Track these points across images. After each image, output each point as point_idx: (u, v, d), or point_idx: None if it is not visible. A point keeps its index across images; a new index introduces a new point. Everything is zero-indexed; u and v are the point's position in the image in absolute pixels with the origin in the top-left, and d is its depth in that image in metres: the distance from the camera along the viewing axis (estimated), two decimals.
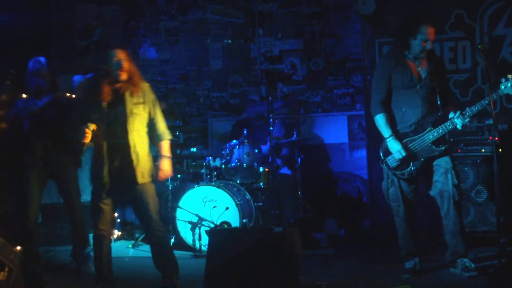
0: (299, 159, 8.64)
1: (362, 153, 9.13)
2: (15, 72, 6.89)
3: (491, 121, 6.41)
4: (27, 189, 6.99)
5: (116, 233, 8.50)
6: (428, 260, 6.72)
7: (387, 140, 6.29)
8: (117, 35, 10.06)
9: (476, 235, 7.18)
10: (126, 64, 5.90)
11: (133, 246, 8.29)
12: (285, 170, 8.83)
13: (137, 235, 8.49)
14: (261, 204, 8.23)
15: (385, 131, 6.31)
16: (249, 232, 6.75)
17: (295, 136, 8.62)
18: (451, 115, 6.14)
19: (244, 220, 7.73)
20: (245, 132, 8.31)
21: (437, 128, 6.15)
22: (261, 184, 8.27)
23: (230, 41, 9.83)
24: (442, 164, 6.22)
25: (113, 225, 6.25)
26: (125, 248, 8.25)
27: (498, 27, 7.84)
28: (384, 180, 6.48)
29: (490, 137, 7.24)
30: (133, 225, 8.80)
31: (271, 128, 8.08)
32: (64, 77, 9.07)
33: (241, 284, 5.69)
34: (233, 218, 7.70)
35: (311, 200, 8.69)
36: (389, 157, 6.32)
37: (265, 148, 8.46)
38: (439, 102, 6.20)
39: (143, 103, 5.99)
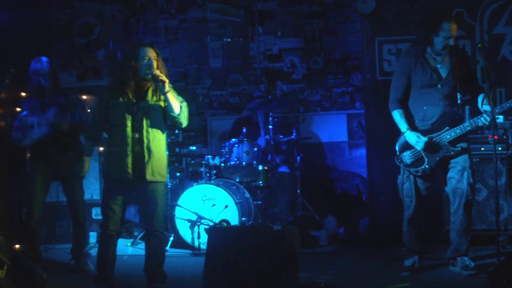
0: (298, 157, 8.64)
1: (361, 152, 9.12)
2: (15, 70, 6.87)
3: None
4: (31, 187, 6.98)
5: None
6: (428, 258, 6.72)
7: (405, 133, 6.25)
8: (117, 33, 10.05)
9: (475, 233, 7.16)
10: (155, 63, 5.92)
11: (132, 244, 8.30)
12: (284, 169, 8.82)
13: (136, 233, 8.49)
14: (260, 202, 8.22)
15: (402, 125, 6.29)
16: (248, 230, 6.76)
17: (294, 134, 8.62)
18: (485, 107, 6.10)
19: (243, 219, 7.73)
20: (244, 130, 8.30)
21: (454, 128, 6.12)
22: (260, 182, 8.26)
23: (229, 39, 9.81)
24: (460, 161, 6.19)
25: (122, 225, 6.22)
26: (124, 246, 8.24)
27: (498, 25, 7.82)
28: (400, 174, 6.44)
29: (490, 136, 7.23)
30: (132, 223, 8.80)
31: (270, 126, 8.08)
32: (66, 76, 9.11)
33: (240, 282, 5.69)
34: (232, 216, 7.70)
35: (310, 199, 8.68)
36: (405, 153, 6.30)
37: (261, 142, 8.42)
38: (459, 101, 6.18)
39: (164, 100, 5.98)
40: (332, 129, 9.51)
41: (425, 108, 6.25)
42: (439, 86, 6.18)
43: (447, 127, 6.16)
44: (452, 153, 6.19)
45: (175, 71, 10.00)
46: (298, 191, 8.55)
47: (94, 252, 6.64)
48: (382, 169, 7.97)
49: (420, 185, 6.36)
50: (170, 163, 8.67)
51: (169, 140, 8.45)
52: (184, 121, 6.00)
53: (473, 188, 6.23)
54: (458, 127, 6.12)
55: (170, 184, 8.33)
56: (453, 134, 6.14)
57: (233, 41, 9.81)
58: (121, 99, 5.90)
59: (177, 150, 9.25)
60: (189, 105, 9.70)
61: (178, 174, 8.66)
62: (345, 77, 9.57)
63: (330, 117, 9.56)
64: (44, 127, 6.85)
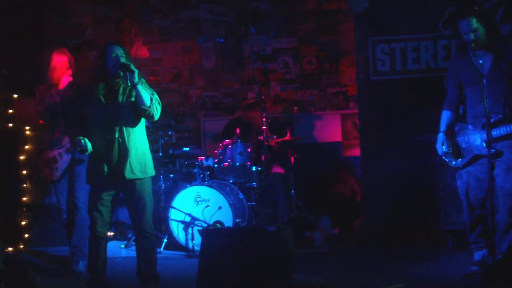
0: (292, 158, 8.62)
1: (355, 152, 9.09)
2: (7, 71, 6.85)
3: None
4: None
5: (109, 233, 8.46)
6: (424, 258, 6.72)
7: (439, 134, 6.34)
8: (109, 34, 10.00)
9: None
10: (123, 60, 5.85)
11: (126, 246, 8.26)
12: (278, 169, 8.80)
13: (129, 235, 8.44)
14: (254, 203, 8.20)
15: (441, 125, 6.36)
16: (242, 231, 6.73)
17: (288, 135, 8.59)
18: None
19: (237, 220, 7.70)
20: (237, 131, 8.28)
21: (492, 129, 5.92)
22: (254, 183, 8.23)
23: (222, 40, 9.79)
24: (505, 161, 6.02)
25: (110, 226, 6.18)
26: (117, 248, 8.22)
27: None
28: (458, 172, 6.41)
29: None
30: (126, 225, 8.76)
31: (264, 127, 8.06)
32: None
33: (234, 284, 5.67)
34: (226, 217, 7.67)
35: (304, 199, 8.66)
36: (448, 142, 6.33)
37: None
38: (503, 96, 6.00)
39: (135, 92, 5.92)
40: (326, 129, 9.50)
41: (474, 106, 6.16)
42: (484, 82, 5.93)
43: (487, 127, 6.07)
44: (484, 152, 6.02)
45: (167, 71, 9.97)
46: (292, 191, 8.52)
47: None
48: (376, 169, 7.96)
49: (472, 183, 6.23)
50: (164, 164, 8.63)
51: (163, 141, 8.43)
52: (155, 113, 5.91)
53: None
54: (496, 128, 5.93)
55: (163, 185, 8.30)
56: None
57: (226, 41, 9.79)
58: (93, 103, 5.90)
59: (171, 151, 9.21)
60: (182, 106, 9.81)
61: (171, 175, 8.63)
62: (338, 77, 9.56)
63: (324, 117, 9.55)
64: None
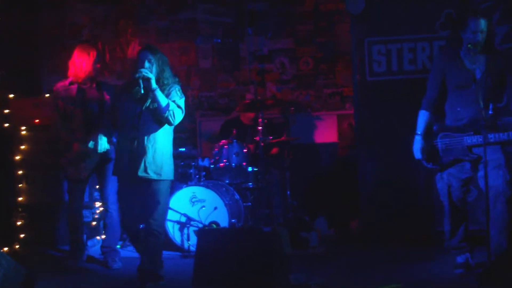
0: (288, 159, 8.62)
1: (351, 153, 9.09)
2: (4, 71, 6.86)
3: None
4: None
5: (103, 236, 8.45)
6: (420, 259, 6.72)
7: (415, 136, 6.28)
8: (107, 34, 10.00)
9: None
10: (146, 65, 6.06)
11: (121, 246, 8.25)
12: (274, 170, 8.80)
13: (125, 235, 8.43)
14: (250, 204, 8.20)
15: (418, 127, 6.30)
16: (238, 232, 6.74)
17: (284, 135, 8.59)
18: None
19: (233, 220, 7.71)
20: (234, 131, 8.28)
21: (477, 136, 5.97)
22: (250, 184, 8.24)
23: (219, 40, 9.79)
24: (494, 158, 5.98)
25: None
26: None
27: None
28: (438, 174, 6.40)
29: None
30: None
31: (260, 127, 8.06)
32: (57, 78, 9.04)
33: (230, 284, 5.68)
34: (222, 218, 7.67)
35: (300, 200, 8.66)
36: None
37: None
38: (491, 103, 5.96)
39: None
40: (322, 130, 9.50)
41: (458, 109, 6.14)
42: (473, 87, 5.98)
43: (472, 132, 6.03)
44: (466, 158, 6.09)
45: None
46: (288, 192, 8.52)
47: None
48: (372, 170, 7.96)
49: (454, 184, 6.24)
50: None
51: None
52: (171, 120, 6.10)
53: (510, 185, 6.06)
54: (480, 136, 5.88)
55: None
56: (474, 140, 6.01)
57: (223, 42, 9.79)
58: (125, 102, 6.16)
59: None
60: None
61: None
62: (335, 77, 9.56)
63: (320, 117, 9.54)
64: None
